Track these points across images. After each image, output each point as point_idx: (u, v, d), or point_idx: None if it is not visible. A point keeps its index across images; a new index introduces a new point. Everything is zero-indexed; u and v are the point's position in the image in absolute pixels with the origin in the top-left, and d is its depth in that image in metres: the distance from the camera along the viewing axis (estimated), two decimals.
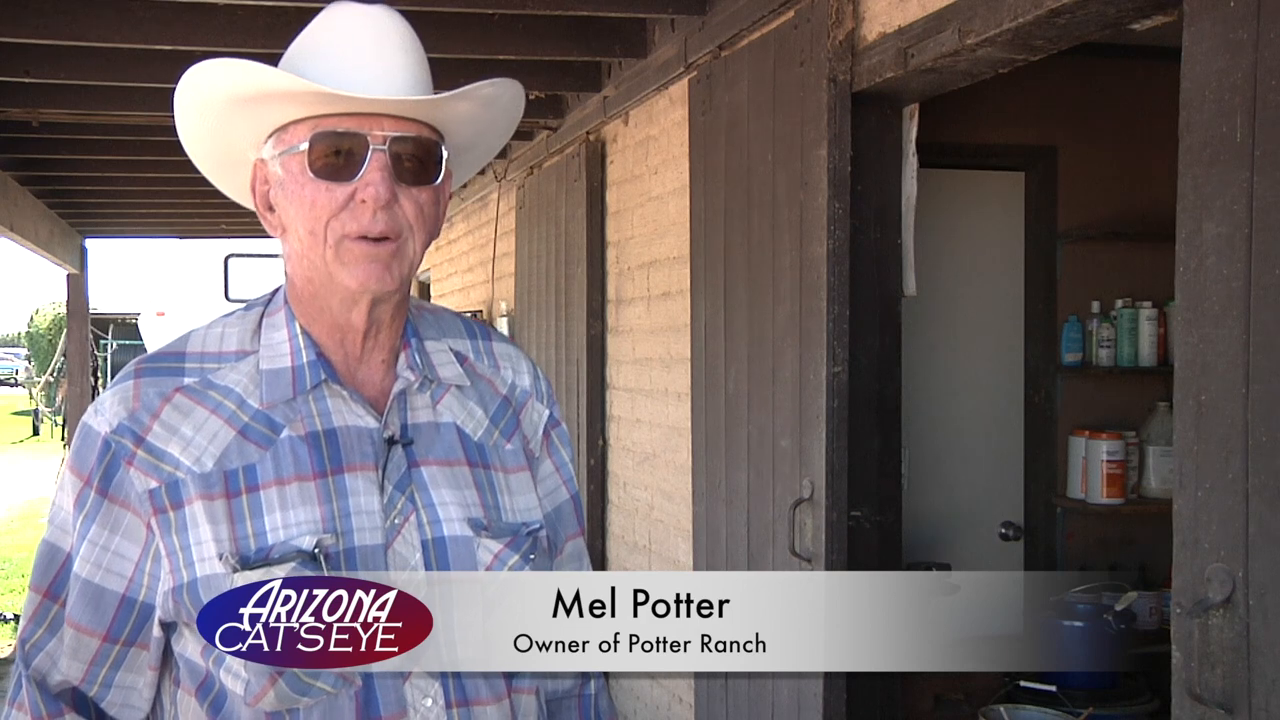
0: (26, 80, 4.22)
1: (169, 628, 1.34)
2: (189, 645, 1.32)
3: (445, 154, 1.36)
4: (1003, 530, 4.18)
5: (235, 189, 1.47)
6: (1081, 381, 4.42)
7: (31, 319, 31.71)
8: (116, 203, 8.17)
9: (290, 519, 1.30)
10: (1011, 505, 4.37)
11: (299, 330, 1.38)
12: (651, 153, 4.26)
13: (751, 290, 3.25)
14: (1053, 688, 3.51)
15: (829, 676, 2.84)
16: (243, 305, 1.45)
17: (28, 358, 33.69)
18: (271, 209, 1.38)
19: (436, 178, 1.35)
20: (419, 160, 1.33)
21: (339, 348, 1.39)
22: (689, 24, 3.67)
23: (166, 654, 1.36)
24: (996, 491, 4.37)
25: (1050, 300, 4.39)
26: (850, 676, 2.87)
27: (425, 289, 9.31)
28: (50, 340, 28.40)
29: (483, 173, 6.76)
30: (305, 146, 1.30)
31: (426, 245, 1.38)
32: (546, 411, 1.53)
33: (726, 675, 3.43)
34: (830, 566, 2.84)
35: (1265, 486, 1.71)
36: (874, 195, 2.92)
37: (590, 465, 4.83)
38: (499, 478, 1.43)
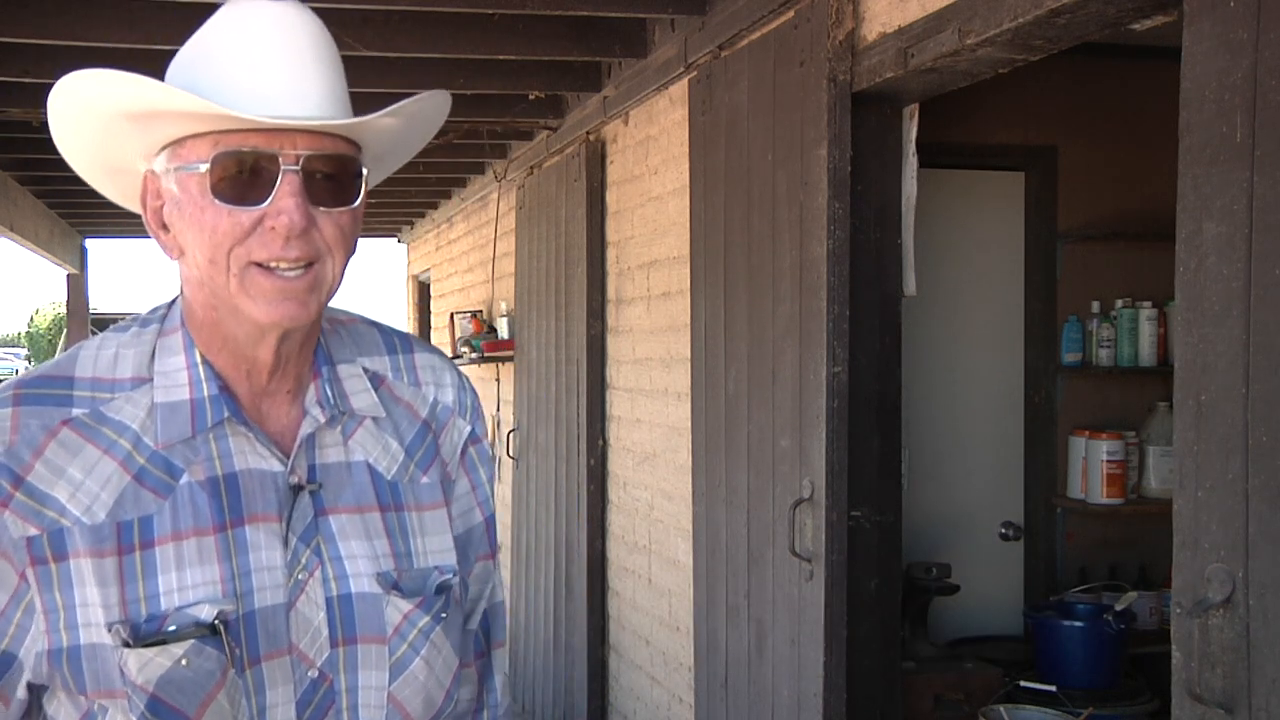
0: (26, 80, 4.21)
1: (37, 690, 1.22)
2: (63, 709, 1.21)
3: (365, 171, 1.22)
4: (1003, 530, 4.18)
5: (125, 196, 1.32)
6: (1081, 381, 4.42)
7: (31, 319, 31.80)
8: (116, 203, 8.16)
9: (186, 580, 1.18)
10: (1011, 505, 4.37)
11: (199, 359, 1.23)
12: (651, 153, 4.26)
13: (751, 290, 3.25)
14: (1053, 688, 3.51)
15: (829, 677, 2.84)
16: (136, 320, 1.29)
17: (28, 358, 33.75)
18: (166, 228, 1.22)
19: (356, 197, 1.20)
20: (336, 180, 1.18)
21: (243, 379, 1.25)
22: (689, 24, 3.67)
23: (30, 715, 1.24)
24: (996, 491, 4.38)
25: (1050, 300, 4.39)
26: (850, 677, 2.87)
27: (425, 289, 9.31)
28: (50, 340, 28.45)
29: (483, 172, 6.76)
30: (205, 168, 1.14)
31: (346, 265, 1.23)
32: (468, 428, 1.41)
33: (727, 675, 3.43)
34: (830, 567, 2.84)
35: (1265, 486, 1.71)
36: (874, 195, 2.92)
37: (590, 465, 4.83)
38: (411, 519, 1.32)
